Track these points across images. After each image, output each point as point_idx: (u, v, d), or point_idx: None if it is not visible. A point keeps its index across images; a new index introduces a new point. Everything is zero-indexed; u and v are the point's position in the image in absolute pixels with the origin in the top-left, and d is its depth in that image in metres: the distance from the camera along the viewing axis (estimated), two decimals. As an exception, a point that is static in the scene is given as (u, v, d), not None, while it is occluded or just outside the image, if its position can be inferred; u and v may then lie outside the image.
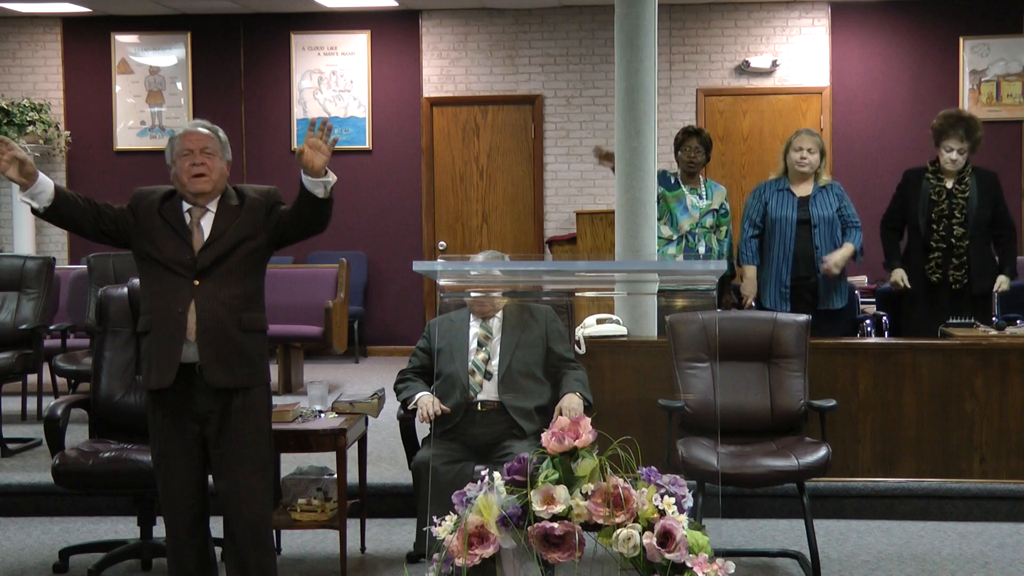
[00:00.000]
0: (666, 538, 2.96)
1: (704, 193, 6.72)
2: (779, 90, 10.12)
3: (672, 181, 6.68)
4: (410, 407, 4.67)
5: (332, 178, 3.80)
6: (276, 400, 4.27)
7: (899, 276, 6.31)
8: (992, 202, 6.21)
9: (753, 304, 6.38)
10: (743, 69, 10.11)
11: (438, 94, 10.35)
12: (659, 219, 6.38)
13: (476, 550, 2.98)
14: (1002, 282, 6.22)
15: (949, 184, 6.21)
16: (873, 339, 6.59)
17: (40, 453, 6.34)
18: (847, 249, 6.27)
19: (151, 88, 10.50)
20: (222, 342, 3.83)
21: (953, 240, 6.16)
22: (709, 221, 6.71)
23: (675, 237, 6.60)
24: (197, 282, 3.83)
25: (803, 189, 6.34)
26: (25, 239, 10.23)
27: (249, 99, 10.45)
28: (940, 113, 6.39)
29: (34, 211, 3.81)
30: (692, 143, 6.73)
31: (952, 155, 6.18)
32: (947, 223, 6.16)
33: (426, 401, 4.60)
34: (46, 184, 3.78)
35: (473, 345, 4.74)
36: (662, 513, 2.99)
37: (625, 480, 3.01)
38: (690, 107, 10.18)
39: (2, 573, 4.79)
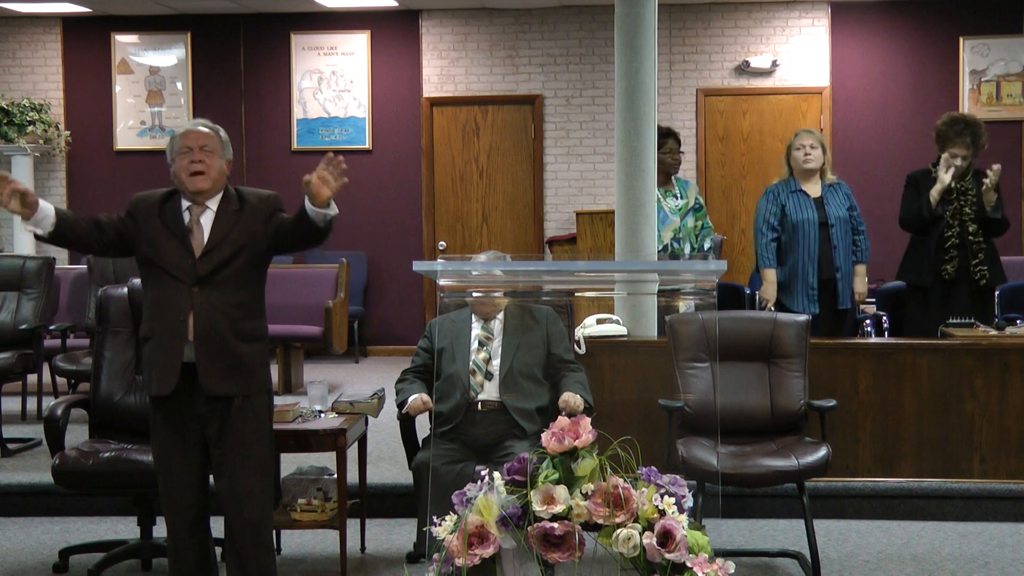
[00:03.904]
0: (666, 538, 2.96)
1: (679, 193, 6.70)
2: (779, 90, 10.12)
3: None
4: (402, 412, 4.70)
5: (334, 211, 3.81)
6: (276, 400, 4.28)
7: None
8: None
9: (773, 308, 6.25)
10: (743, 69, 10.11)
11: (438, 94, 10.35)
12: None
13: (476, 550, 2.98)
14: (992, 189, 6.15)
15: (954, 183, 6.21)
16: (873, 339, 6.59)
17: (40, 453, 6.34)
18: (862, 269, 6.38)
19: (151, 88, 10.50)
20: (220, 351, 3.84)
21: (969, 237, 6.16)
22: (691, 221, 6.68)
23: (659, 249, 6.56)
24: (196, 289, 3.83)
25: (812, 189, 6.33)
26: (25, 239, 10.21)
27: (249, 99, 10.45)
28: (945, 116, 6.37)
29: (38, 237, 3.85)
30: (670, 144, 6.70)
31: (957, 161, 6.18)
32: (960, 220, 6.16)
33: (415, 406, 4.64)
34: (47, 210, 3.80)
35: (474, 345, 4.75)
36: (662, 513, 2.99)
37: (625, 480, 3.01)
38: (690, 107, 10.18)
39: (2, 573, 4.79)
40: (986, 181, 6.14)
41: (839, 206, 6.29)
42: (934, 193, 6.17)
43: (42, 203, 3.79)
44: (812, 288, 6.25)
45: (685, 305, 5.92)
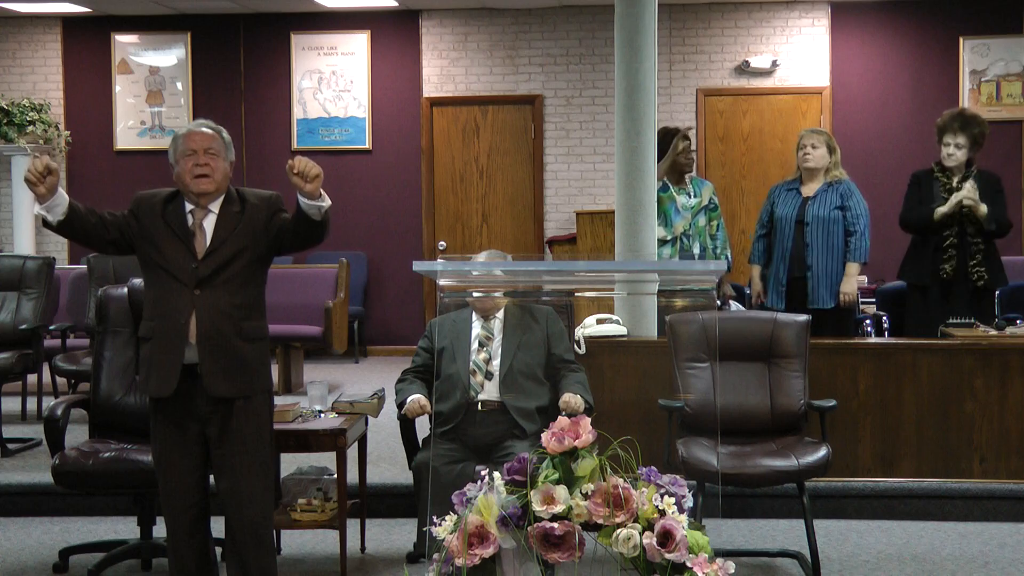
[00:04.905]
0: (666, 538, 2.96)
1: (692, 191, 6.71)
2: (779, 90, 10.12)
3: (660, 186, 6.62)
4: (400, 413, 4.70)
5: (326, 203, 3.80)
6: (276, 400, 4.27)
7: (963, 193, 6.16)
8: (991, 201, 6.20)
9: (763, 302, 6.40)
10: (743, 69, 10.11)
11: (438, 94, 10.35)
12: None
13: (476, 550, 2.98)
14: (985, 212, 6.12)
15: (955, 183, 6.22)
16: (873, 339, 6.59)
17: (40, 453, 6.34)
18: (852, 269, 6.29)
19: (151, 88, 10.50)
20: (223, 351, 3.83)
21: (968, 238, 6.16)
22: (702, 220, 6.69)
23: (669, 238, 6.58)
24: (198, 291, 3.83)
25: (810, 188, 6.35)
26: (25, 239, 10.23)
27: (249, 99, 10.45)
28: (944, 112, 6.44)
29: (46, 224, 3.82)
30: (684, 143, 6.72)
31: (949, 149, 6.21)
32: (959, 220, 6.15)
33: (412, 408, 4.64)
34: (62, 198, 3.79)
35: (475, 345, 4.75)
36: (662, 513, 2.99)
37: (625, 480, 3.01)
38: (690, 107, 10.18)
39: (2, 573, 4.79)
40: (963, 198, 6.08)
41: (825, 205, 6.28)
42: (944, 209, 6.13)
43: (60, 190, 3.78)
44: (782, 285, 6.33)
45: (731, 307, 6.08)
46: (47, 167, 3.69)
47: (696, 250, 6.61)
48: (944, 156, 6.23)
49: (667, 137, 6.65)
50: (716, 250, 6.72)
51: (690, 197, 6.68)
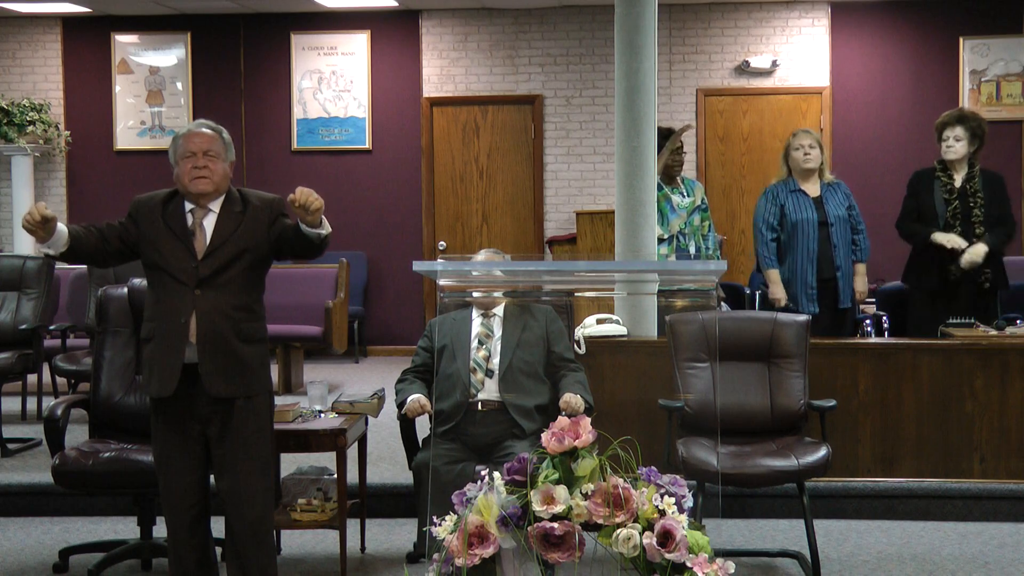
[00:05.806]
0: (666, 538, 2.96)
1: (685, 191, 6.71)
2: (779, 90, 10.12)
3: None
4: (401, 413, 4.71)
5: (326, 230, 3.84)
6: (276, 400, 4.28)
7: (945, 239, 6.15)
8: (997, 201, 6.22)
9: (790, 306, 6.23)
10: (743, 69, 10.11)
11: (438, 94, 10.35)
12: None
13: (476, 550, 2.98)
14: (976, 250, 6.08)
15: (958, 182, 6.22)
16: (873, 339, 6.59)
17: (40, 453, 6.34)
18: (862, 268, 6.39)
19: (151, 88, 10.50)
20: (222, 352, 3.84)
21: (976, 240, 6.14)
22: (697, 219, 6.69)
23: (666, 237, 6.57)
24: (198, 291, 3.84)
25: (812, 189, 6.34)
26: (25, 239, 10.21)
27: (249, 99, 10.45)
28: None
29: (48, 256, 3.86)
30: (676, 144, 6.70)
31: (948, 143, 6.22)
32: (964, 222, 6.15)
33: (413, 408, 4.64)
34: (62, 232, 3.82)
35: (474, 343, 4.75)
36: (662, 513, 2.99)
37: (625, 480, 3.02)
38: (690, 107, 10.18)
39: (2, 573, 4.79)
40: (968, 264, 6.10)
41: (838, 205, 6.31)
42: (943, 243, 6.12)
43: (59, 226, 3.81)
44: (811, 288, 6.27)
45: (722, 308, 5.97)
46: (43, 216, 3.71)
47: (692, 249, 6.61)
48: (943, 150, 6.24)
49: (658, 137, 6.65)
50: (708, 250, 6.71)
51: (683, 196, 6.68)
